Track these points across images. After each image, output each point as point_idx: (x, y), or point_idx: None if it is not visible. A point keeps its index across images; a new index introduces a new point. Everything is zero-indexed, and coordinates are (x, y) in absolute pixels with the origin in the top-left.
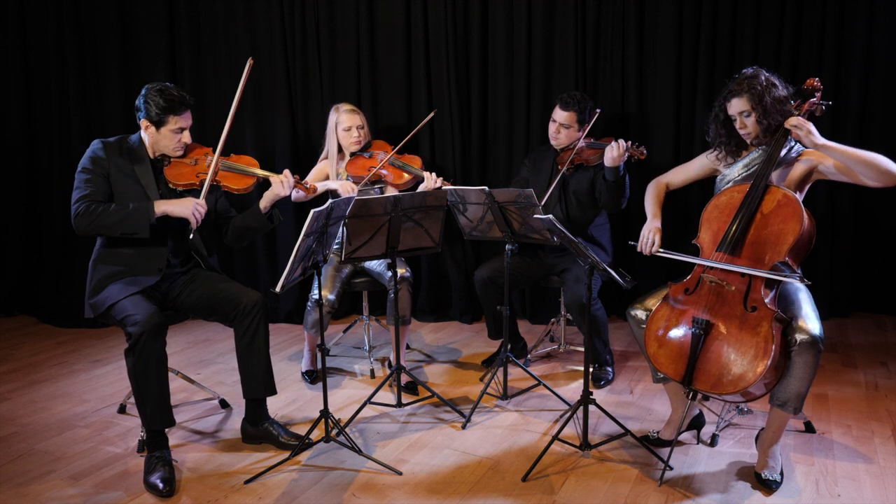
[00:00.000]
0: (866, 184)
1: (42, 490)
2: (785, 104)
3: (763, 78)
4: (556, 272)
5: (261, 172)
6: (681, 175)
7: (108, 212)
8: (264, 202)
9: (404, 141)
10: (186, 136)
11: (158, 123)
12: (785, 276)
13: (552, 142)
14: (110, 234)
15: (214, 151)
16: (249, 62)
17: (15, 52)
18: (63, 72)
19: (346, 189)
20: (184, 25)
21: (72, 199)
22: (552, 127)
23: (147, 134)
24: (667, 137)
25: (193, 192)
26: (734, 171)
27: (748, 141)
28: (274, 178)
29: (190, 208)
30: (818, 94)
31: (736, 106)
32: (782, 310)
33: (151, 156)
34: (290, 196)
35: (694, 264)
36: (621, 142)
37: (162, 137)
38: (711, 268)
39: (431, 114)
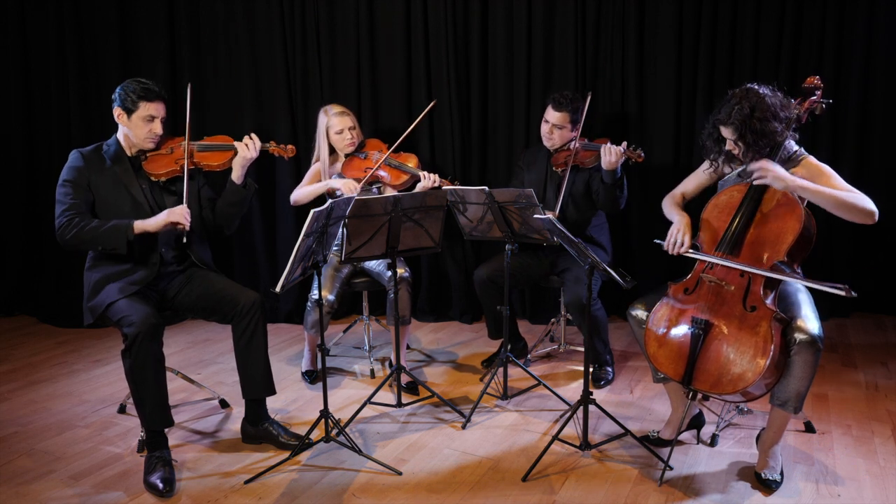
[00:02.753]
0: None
1: (42, 490)
2: (773, 135)
3: (748, 107)
4: (555, 272)
5: (236, 143)
6: (692, 183)
7: (89, 227)
8: (236, 171)
9: (401, 139)
10: (157, 126)
11: (130, 111)
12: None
13: (545, 143)
14: (91, 249)
15: (184, 138)
16: (189, 86)
17: (15, 52)
18: (63, 72)
19: (350, 187)
20: (184, 25)
21: (55, 214)
22: (545, 128)
23: (120, 124)
24: (667, 137)
25: (176, 178)
26: (734, 176)
27: (739, 158)
28: (239, 144)
29: (166, 217)
30: (818, 93)
31: (723, 131)
32: (782, 310)
33: (129, 154)
34: (258, 156)
35: (693, 264)
36: (617, 147)
37: (133, 126)
38: (712, 267)
39: (430, 105)
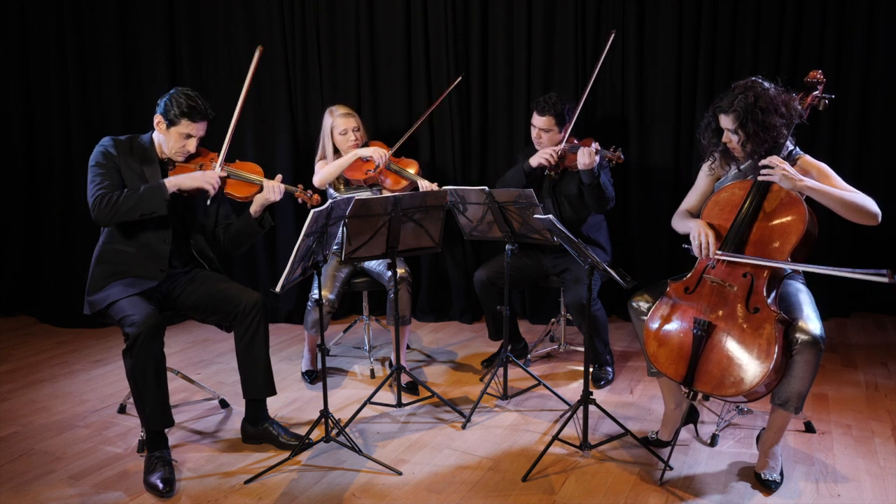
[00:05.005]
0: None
1: (42, 490)
2: (774, 131)
3: (752, 97)
4: (555, 272)
5: (264, 181)
6: (694, 197)
7: (124, 197)
8: (255, 207)
9: (400, 141)
10: (192, 145)
11: (171, 123)
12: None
13: (536, 146)
14: (131, 219)
15: (219, 157)
16: (259, 50)
17: (15, 52)
18: (63, 72)
19: (380, 154)
20: (184, 25)
21: (88, 194)
22: (533, 132)
23: (157, 131)
24: (667, 138)
25: (196, 193)
26: (729, 178)
27: (735, 155)
28: (266, 184)
29: (201, 179)
30: (821, 87)
31: (723, 121)
32: (783, 311)
33: (160, 156)
34: (280, 201)
35: (693, 263)
36: (591, 147)
37: (169, 137)
38: (714, 266)
39: (457, 80)
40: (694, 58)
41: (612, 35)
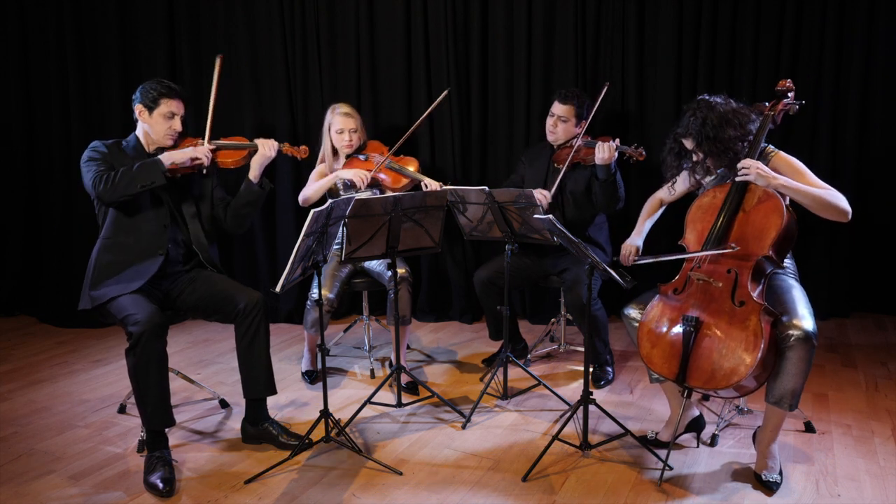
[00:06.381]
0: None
1: (42, 490)
2: (735, 142)
3: (700, 118)
4: (555, 272)
5: (255, 141)
6: (667, 190)
7: (122, 173)
8: (253, 170)
9: (402, 140)
10: (177, 123)
11: (151, 107)
12: (723, 250)
13: (549, 137)
14: (131, 192)
15: (204, 135)
16: (219, 58)
17: (15, 51)
18: (63, 72)
19: (360, 177)
20: (184, 25)
21: (85, 181)
22: (550, 121)
23: (141, 121)
24: (666, 137)
25: (190, 175)
26: (713, 180)
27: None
28: (259, 142)
29: (192, 151)
30: (791, 95)
31: (686, 143)
32: (773, 305)
33: (148, 150)
34: (276, 158)
35: (681, 264)
36: (610, 142)
37: (154, 123)
38: (700, 265)
39: (443, 94)
40: (694, 58)
41: (607, 87)
